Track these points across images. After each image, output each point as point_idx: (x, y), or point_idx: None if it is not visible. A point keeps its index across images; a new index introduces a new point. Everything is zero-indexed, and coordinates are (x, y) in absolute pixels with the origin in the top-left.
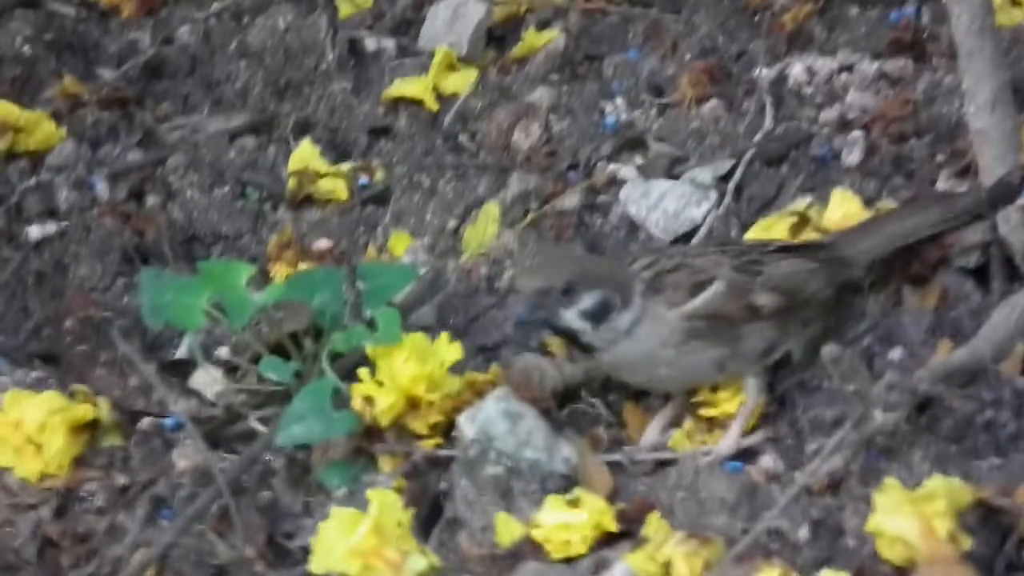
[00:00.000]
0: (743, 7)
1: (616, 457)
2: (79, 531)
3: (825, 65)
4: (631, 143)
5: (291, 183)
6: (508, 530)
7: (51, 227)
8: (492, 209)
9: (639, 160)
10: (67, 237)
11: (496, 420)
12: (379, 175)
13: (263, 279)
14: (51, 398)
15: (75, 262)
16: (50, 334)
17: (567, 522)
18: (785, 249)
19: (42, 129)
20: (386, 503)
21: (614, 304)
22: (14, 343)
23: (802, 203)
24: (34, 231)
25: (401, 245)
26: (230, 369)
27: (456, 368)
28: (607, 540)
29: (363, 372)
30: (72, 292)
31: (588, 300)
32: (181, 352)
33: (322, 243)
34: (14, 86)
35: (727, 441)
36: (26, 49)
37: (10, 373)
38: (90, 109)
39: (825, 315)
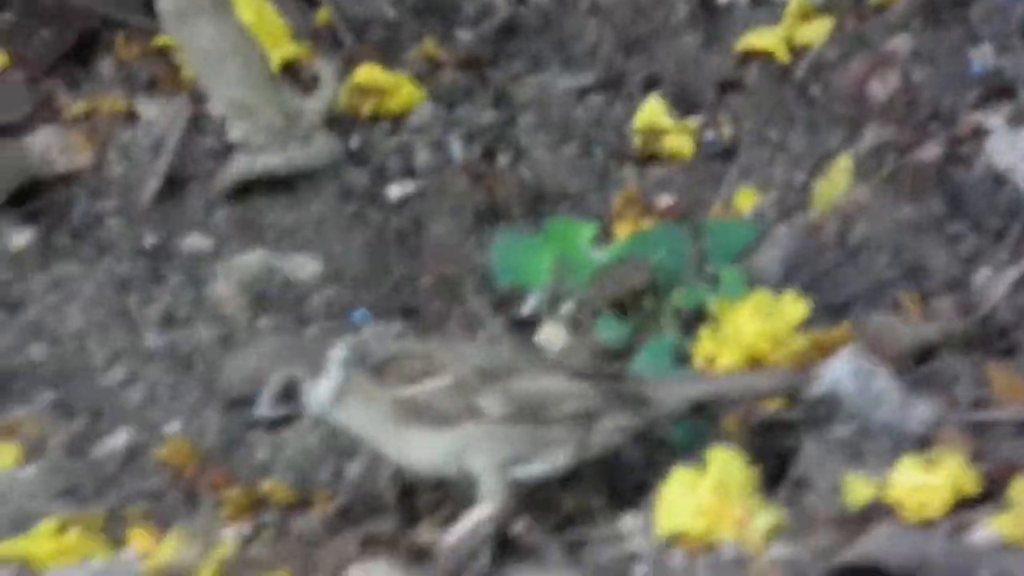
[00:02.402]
0: None
1: (978, 417)
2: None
3: None
4: (999, 91)
5: (637, 140)
6: (858, 491)
7: (410, 187)
8: (844, 162)
9: (1007, 109)
10: (424, 196)
11: (846, 379)
12: (726, 130)
13: (607, 236)
14: None
15: (431, 221)
16: (409, 290)
17: (923, 484)
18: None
19: (404, 91)
20: (728, 463)
21: (299, 379)
22: (376, 298)
23: None
24: (394, 191)
25: (747, 201)
26: (574, 325)
27: (802, 326)
28: (966, 503)
29: (705, 330)
30: (429, 250)
31: (273, 385)
32: (528, 308)
33: (666, 200)
34: (379, 50)
35: (448, 538)
36: (391, 13)
37: (372, 327)
38: (447, 70)
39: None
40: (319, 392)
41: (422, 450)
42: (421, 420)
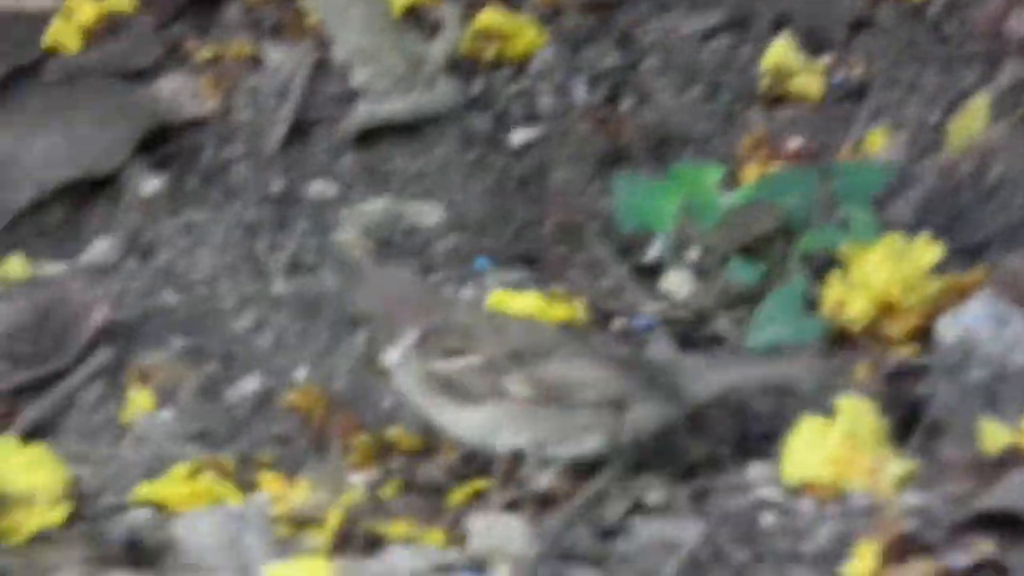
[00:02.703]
0: None
1: None
2: None
3: None
4: None
5: (764, 81)
6: (994, 437)
7: (532, 132)
8: (980, 101)
9: None
10: (547, 142)
11: (981, 323)
12: (857, 70)
13: (733, 180)
14: (532, 298)
15: (554, 166)
16: (531, 236)
17: None
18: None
19: (527, 35)
20: (858, 411)
21: (403, 329)
22: (498, 245)
23: None
24: (517, 136)
25: (878, 142)
26: (699, 271)
27: (936, 270)
28: None
29: (835, 275)
30: (551, 196)
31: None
32: (652, 254)
33: (794, 142)
34: None
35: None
36: None
37: (495, 274)
38: (570, 14)
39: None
40: (390, 355)
41: (455, 424)
42: (451, 396)
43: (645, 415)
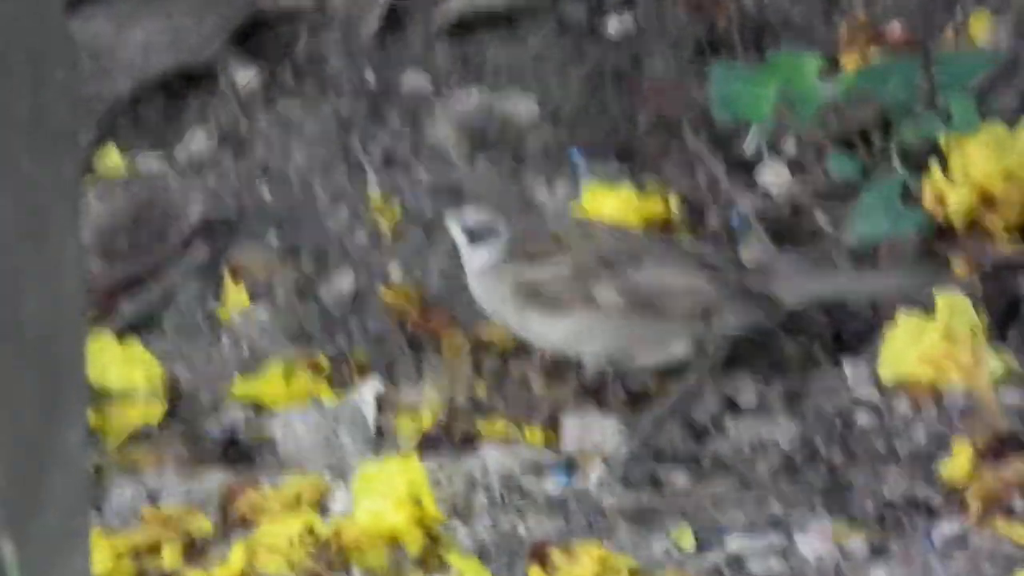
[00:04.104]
0: None
1: None
2: None
3: None
4: None
5: None
6: None
7: (628, 20)
8: None
9: None
10: (643, 31)
11: None
12: None
13: (832, 69)
14: (626, 192)
15: (650, 56)
16: (626, 129)
17: None
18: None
19: None
20: (957, 307)
21: (493, 232)
22: (592, 137)
23: None
24: (612, 24)
25: (981, 28)
26: (796, 164)
27: None
28: None
29: (935, 166)
30: (646, 86)
31: (470, 215)
32: (748, 147)
33: (896, 29)
34: None
35: None
36: None
37: (589, 167)
38: None
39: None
40: (471, 259)
41: (541, 332)
42: (539, 303)
43: (733, 323)
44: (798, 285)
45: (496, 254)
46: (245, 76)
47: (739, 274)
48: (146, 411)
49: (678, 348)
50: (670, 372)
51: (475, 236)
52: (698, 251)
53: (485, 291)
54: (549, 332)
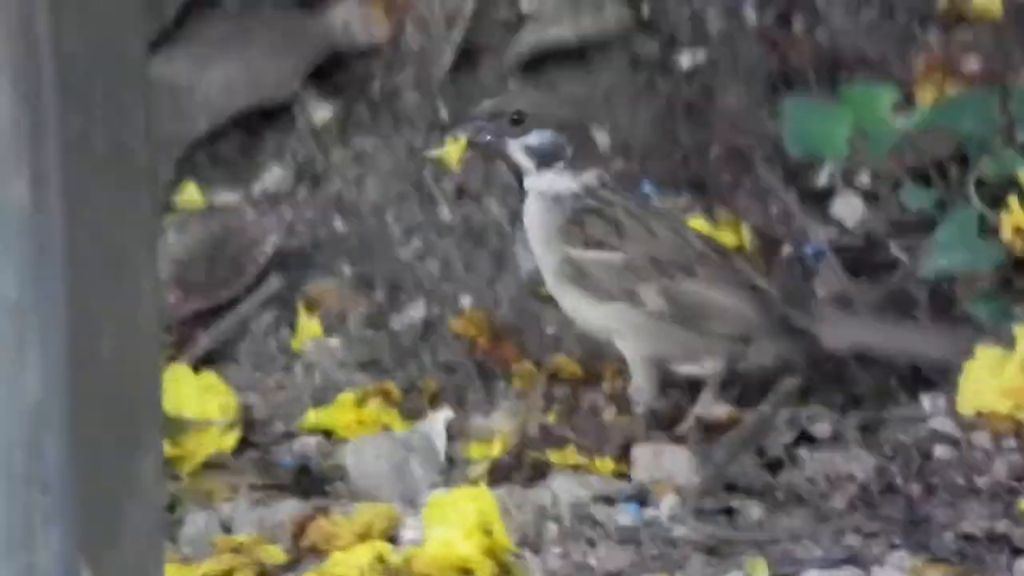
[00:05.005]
0: None
1: None
2: None
3: None
4: None
5: (942, 1)
6: None
7: (701, 55)
8: None
9: None
10: (716, 64)
11: None
12: None
13: (908, 103)
14: (698, 224)
15: (722, 89)
16: (697, 161)
17: None
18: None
19: None
20: None
21: (561, 153)
22: (664, 170)
23: None
24: (685, 59)
25: None
26: (871, 197)
27: None
28: None
29: (1013, 200)
30: (719, 120)
31: (536, 137)
32: (822, 180)
33: (973, 64)
34: None
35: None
36: None
37: (659, 199)
38: None
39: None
40: (536, 183)
41: (580, 312)
42: (582, 286)
43: (767, 352)
44: (841, 332)
45: (558, 227)
46: (322, 113)
47: (785, 307)
48: (221, 440)
49: (710, 364)
50: (743, 402)
51: (540, 157)
52: (749, 274)
53: (539, 221)
54: (588, 315)
